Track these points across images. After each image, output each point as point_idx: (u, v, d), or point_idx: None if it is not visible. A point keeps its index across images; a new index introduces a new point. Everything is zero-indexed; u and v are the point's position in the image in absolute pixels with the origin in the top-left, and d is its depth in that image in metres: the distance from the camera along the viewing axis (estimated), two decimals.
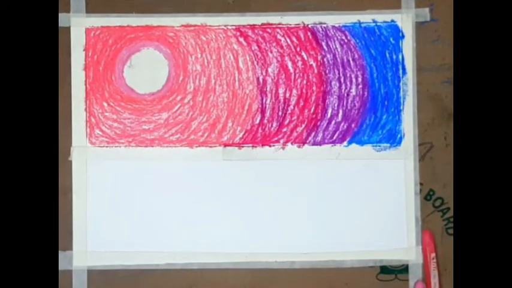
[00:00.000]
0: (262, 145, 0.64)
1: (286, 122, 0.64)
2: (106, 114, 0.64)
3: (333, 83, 0.64)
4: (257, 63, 0.64)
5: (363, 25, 0.64)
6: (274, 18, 0.64)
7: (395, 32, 0.64)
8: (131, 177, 0.64)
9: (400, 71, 0.64)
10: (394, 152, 0.64)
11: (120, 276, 0.63)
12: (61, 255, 0.63)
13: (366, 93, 0.64)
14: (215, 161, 0.64)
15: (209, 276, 0.63)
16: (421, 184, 0.64)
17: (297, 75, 0.64)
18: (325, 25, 0.64)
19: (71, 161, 0.64)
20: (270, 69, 0.64)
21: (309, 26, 0.64)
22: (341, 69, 0.64)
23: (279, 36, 0.64)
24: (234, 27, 0.64)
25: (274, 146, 0.64)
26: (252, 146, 0.64)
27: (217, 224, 0.63)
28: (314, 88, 0.64)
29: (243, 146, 0.64)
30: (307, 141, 0.64)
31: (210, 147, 0.64)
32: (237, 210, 0.63)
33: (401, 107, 0.64)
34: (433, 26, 0.64)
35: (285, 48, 0.64)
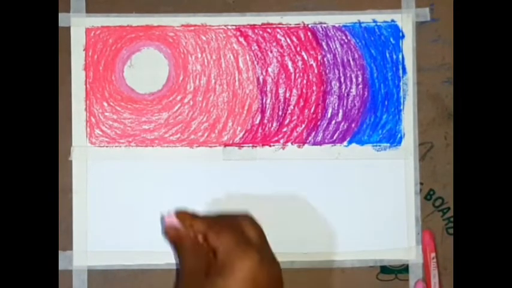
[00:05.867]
0: (262, 145, 0.64)
1: (286, 121, 0.64)
2: (106, 114, 0.64)
3: (333, 82, 0.64)
4: (257, 63, 0.64)
5: (363, 25, 0.64)
6: (274, 18, 0.64)
7: (396, 31, 0.64)
8: (131, 177, 0.63)
9: (400, 71, 0.64)
10: (394, 151, 0.64)
11: (120, 276, 0.63)
12: (61, 255, 0.63)
13: (366, 93, 0.64)
14: (215, 161, 0.64)
15: None
16: (421, 184, 0.64)
17: (297, 75, 0.64)
18: (325, 25, 0.64)
19: (71, 161, 0.64)
20: (270, 69, 0.64)
21: (309, 26, 0.64)
22: (341, 69, 0.64)
23: (279, 36, 0.64)
24: (234, 27, 0.64)
25: (274, 146, 0.64)
26: (252, 146, 0.64)
27: None
28: (314, 88, 0.64)
29: (243, 146, 0.64)
30: (307, 141, 0.64)
31: (210, 147, 0.64)
32: (236, 210, 0.63)
33: (402, 107, 0.64)
34: (433, 25, 0.64)
35: (285, 48, 0.64)
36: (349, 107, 0.64)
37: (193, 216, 0.58)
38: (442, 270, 0.63)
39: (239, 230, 0.55)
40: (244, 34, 0.64)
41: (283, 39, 0.64)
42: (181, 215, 0.58)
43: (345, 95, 0.64)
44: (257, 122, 0.64)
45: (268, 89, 0.64)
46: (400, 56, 0.64)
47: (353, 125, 0.64)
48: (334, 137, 0.64)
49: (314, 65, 0.64)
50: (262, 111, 0.64)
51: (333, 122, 0.64)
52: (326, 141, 0.64)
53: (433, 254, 0.63)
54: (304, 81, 0.64)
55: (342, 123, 0.64)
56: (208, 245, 0.55)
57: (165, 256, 0.63)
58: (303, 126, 0.64)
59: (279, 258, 0.63)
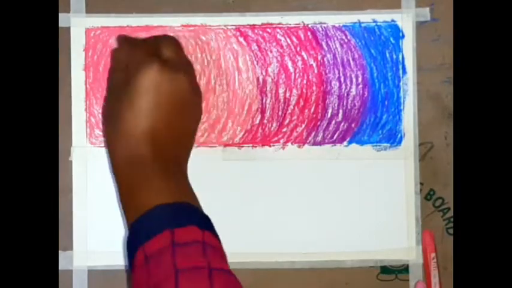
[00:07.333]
0: (262, 145, 0.64)
1: (286, 122, 0.64)
2: None
3: (333, 82, 0.64)
4: (257, 63, 0.64)
5: (363, 25, 0.64)
6: (274, 18, 0.64)
7: (396, 31, 0.64)
8: None
9: (400, 71, 0.64)
10: (394, 151, 0.64)
11: (120, 276, 0.63)
12: (61, 255, 0.63)
13: (366, 93, 0.64)
14: (215, 161, 0.64)
15: None
16: (421, 184, 0.64)
17: (297, 75, 0.64)
18: (325, 25, 0.64)
19: (71, 161, 0.64)
20: (270, 69, 0.64)
21: (309, 25, 0.64)
22: (341, 69, 0.64)
23: (279, 36, 0.64)
24: (234, 27, 0.64)
25: (274, 146, 0.64)
26: (252, 146, 0.64)
27: (216, 224, 0.63)
28: (314, 88, 0.64)
29: (242, 146, 0.64)
30: (307, 141, 0.64)
31: (210, 147, 0.64)
32: (236, 210, 0.63)
33: (402, 107, 0.64)
34: (433, 25, 0.64)
35: (285, 48, 0.64)
36: (349, 107, 0.64)
37: (127, 39, 0.61)
38: (442, 270, 0.63)
39: (153, 46, 0.58)
40: (244, 34, 0.64)
41: (283, 39, 0.64)
42: (119, 38, 0.62)
43: (345, 95, 0.64)
44: (257, 122, 0.64)
45: (268, 89, 0.64)
46: (400, 56, 0.64)
47: (353, 125, 0.64)
48: (334, 137, 0.64)
49: (314, 65, 0.64)
50: (262, 112, 0.64)
51: (333, 122, 0.64)
52: (326, 141, 0.64)
53: (433, 254, 0.63)
54: (304, 81, 0.64)
55: (342, 123, 0.64)
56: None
57: None
58: (303, 126, 0.64)
59: (280, 259, 0.64)
